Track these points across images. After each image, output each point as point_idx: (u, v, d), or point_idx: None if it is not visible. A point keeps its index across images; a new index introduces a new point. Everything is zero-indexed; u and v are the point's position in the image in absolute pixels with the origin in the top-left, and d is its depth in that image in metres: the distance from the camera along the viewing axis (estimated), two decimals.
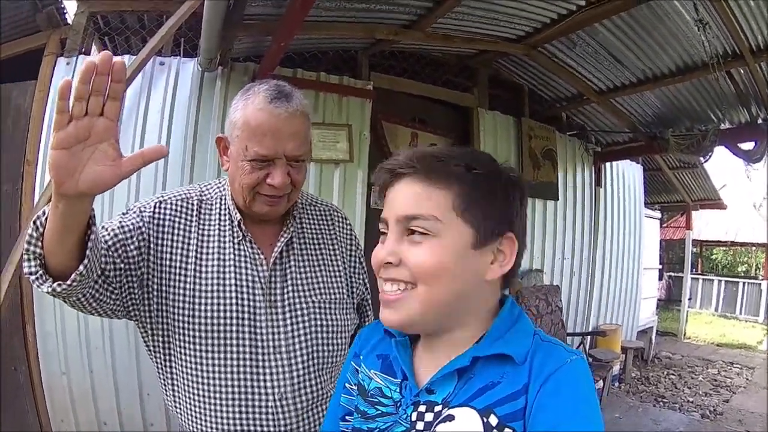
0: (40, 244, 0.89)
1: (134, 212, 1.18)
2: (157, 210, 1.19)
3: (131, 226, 1.14)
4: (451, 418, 0.70)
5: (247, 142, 1.11)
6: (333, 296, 1.27)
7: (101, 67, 0.71)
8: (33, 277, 0.91)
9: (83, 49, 3.00)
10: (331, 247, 1.33)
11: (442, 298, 0.72)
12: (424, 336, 0.80)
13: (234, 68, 3.20)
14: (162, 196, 1.22)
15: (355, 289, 1.37)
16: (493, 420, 0.67)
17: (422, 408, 0.73)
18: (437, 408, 0.71)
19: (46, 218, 0.87)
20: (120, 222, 1.14)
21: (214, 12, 2.29)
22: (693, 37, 3.23)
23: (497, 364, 0.71)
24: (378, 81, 3.73)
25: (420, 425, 0.72)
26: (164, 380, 1.23)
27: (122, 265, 1.10)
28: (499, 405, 0.67)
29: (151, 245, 1.16)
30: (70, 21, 3.08)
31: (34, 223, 0.89)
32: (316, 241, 1.31)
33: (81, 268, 0.90)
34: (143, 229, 1.15)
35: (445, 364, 0.73)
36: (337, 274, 1.31)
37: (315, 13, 2.83)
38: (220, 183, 1.29)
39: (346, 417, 0.84)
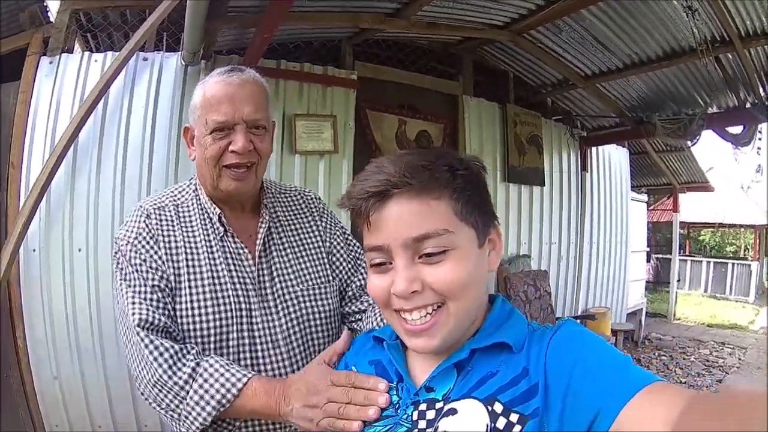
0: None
1: (143, 254, 1.13)
2: (151, 227, 1.17)
3: (162, 280, 1.13)
4: (453, 411, 0.68)
5: (206, 116, 1.13)
6: (319, 281, 1.26)
7: None
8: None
9: (66, 47, 2.96)
10: (309, 231, 1.31)
11: (470, 305, 0.71)
12: None
13: (218, 61, 3.16)
14: (143, 210, 1.19)
15: (343, 266, 1.33)
16: (498, 407, 0.66)
17: (423, 406, 0.72)
18: (438, 405, 0.70)
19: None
20: (159, 295, 1.12)
21: (198, 6, 2.27)
22: (681, 23, 3.22)
23: (494, 355, 0.70)
24: (362, 70, 3.73)
25: (422, 424, 0.70)
26: None
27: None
28: (502, 392, 0.67)
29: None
30: (53, 20, 3.03)
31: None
32: (292, 229, 1.29)
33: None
34: (163, 263, 1.14)
35: (443, 360, 0.72)
36: (319, 257, 1.29)
37: (299, 4, 2.81)
38: (190, 184, 1.27)
39: None
